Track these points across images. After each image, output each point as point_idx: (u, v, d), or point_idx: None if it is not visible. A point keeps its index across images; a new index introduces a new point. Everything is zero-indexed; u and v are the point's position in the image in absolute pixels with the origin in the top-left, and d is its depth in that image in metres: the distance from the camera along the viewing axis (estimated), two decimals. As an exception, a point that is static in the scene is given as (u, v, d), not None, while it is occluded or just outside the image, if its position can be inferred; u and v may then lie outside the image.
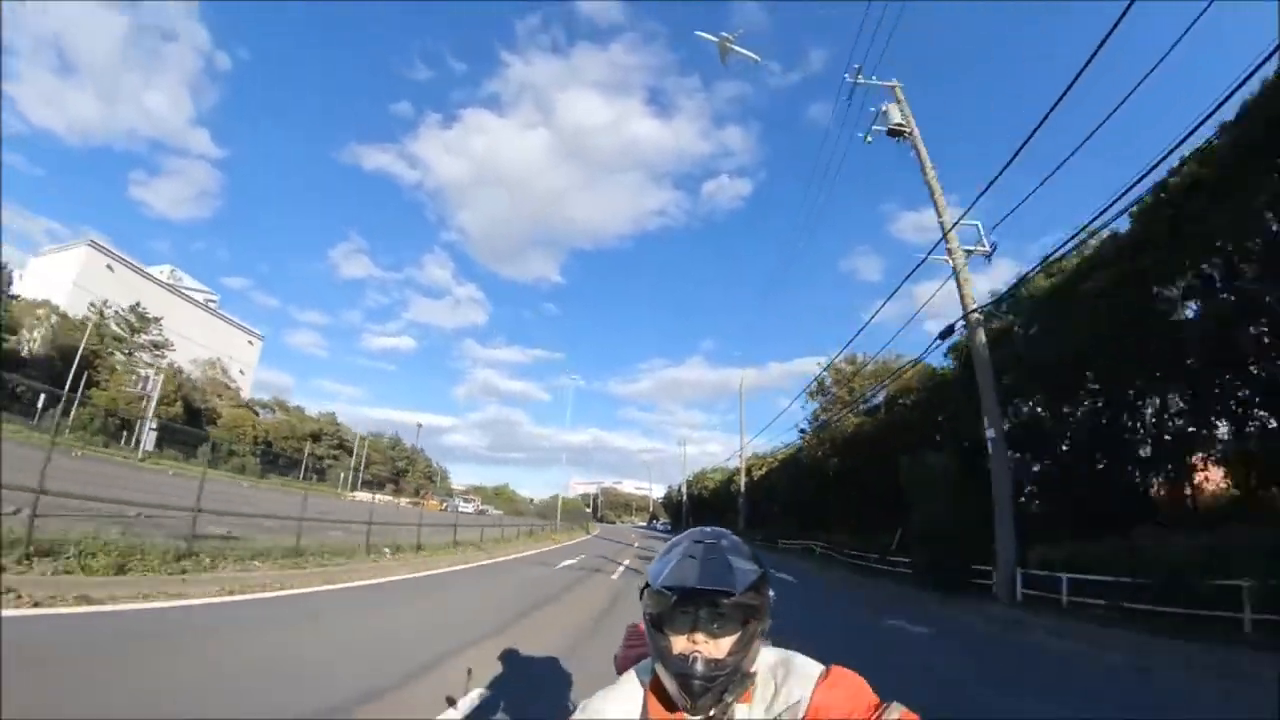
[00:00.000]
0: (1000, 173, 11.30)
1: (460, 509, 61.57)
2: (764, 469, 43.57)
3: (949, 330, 14.88)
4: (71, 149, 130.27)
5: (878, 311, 25.25)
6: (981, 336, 14.70)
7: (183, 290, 78.66)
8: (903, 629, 10.47)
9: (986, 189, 12.09)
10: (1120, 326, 13.38)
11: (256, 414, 68.80)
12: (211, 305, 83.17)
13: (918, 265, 16.05)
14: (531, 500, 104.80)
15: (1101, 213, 10.10)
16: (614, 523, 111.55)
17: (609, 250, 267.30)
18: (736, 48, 25.94)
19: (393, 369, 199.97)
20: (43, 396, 34.80)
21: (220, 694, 3.98)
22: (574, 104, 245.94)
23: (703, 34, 26.73)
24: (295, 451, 63.17)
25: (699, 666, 1.03)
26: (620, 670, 1.31)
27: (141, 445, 33.47)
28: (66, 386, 34.84)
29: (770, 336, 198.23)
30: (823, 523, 29.84)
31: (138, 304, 60.30)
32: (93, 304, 56.22)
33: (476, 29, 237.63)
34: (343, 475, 66.65)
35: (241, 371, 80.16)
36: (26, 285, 64.76)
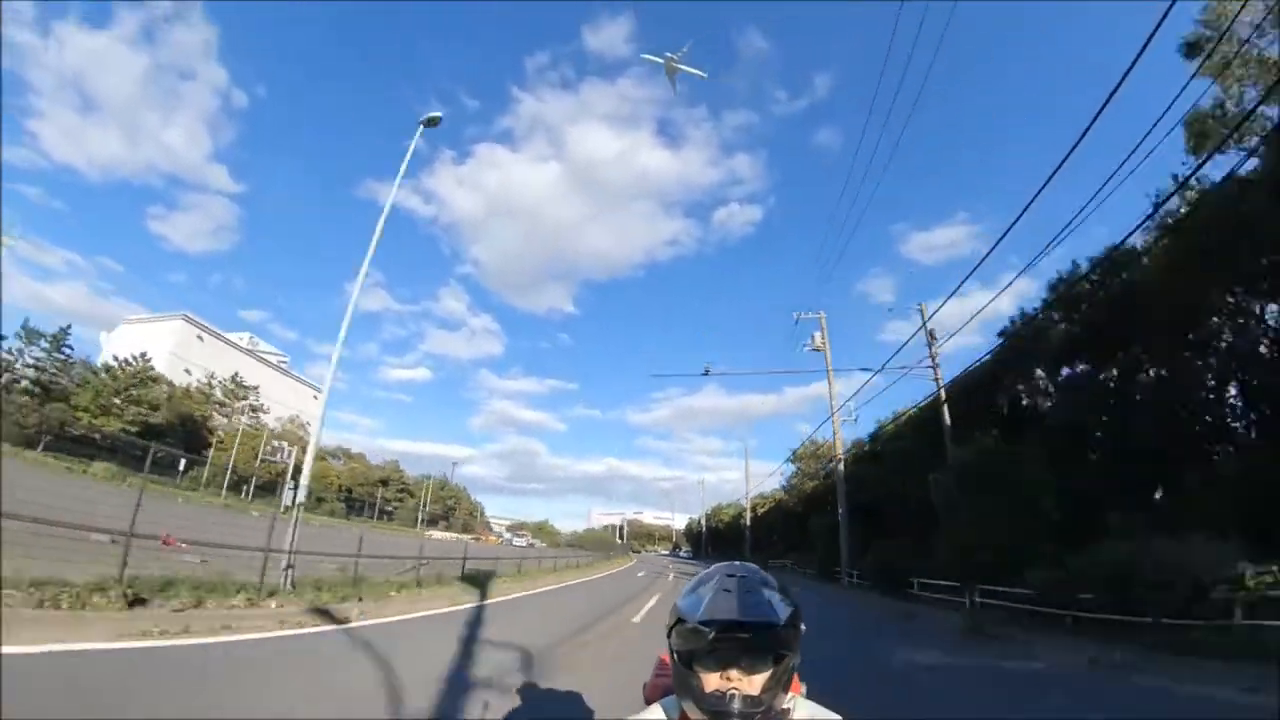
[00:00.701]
0: (864, 384, 21.86)
1: (514, 543, 72.36)
2: (765, 508, 53.79)
3: (831, 460, 25.77)
4: (92, 183, 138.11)
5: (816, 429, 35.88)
6: (841, 469, 25.64)
7: (260, 354, 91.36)
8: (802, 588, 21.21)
9: (861, 388, 22.70)
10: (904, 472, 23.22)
11: (327, 461, 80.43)
12: (283, 365, 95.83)
13: (818, 426, 26.76)
14: (560, 533, 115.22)
15: (894, 419, 20.68)
16: (639, 551, 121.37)
17: (622, 280, 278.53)
18: (682, 66, 27.33)
19: (410, 400, 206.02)
20: (183, 461, 46.51)
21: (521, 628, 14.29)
22: (584, 137, 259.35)
23: (648, 56, 29.17)
24: (369, 495, 74.46)
25: (736, 704, 1.01)
26: (649, 700, 1.34)
27: (282, 502, 44.55)
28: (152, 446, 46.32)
29: (785, 361, 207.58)
30: (796, 548, 40.29)
31: (237, 374, 72.87)
32: (206, 377, 68.71)
33: (488, 67, 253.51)
34: (409, 514, 77.76)
35: (307, 423, 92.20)
36: (116, 348, 76.18)
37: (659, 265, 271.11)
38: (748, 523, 54.42)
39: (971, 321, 60.91)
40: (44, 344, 51.08)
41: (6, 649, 4.39)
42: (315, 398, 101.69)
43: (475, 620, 9.97)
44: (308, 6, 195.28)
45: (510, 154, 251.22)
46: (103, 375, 53.74)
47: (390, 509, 78.93)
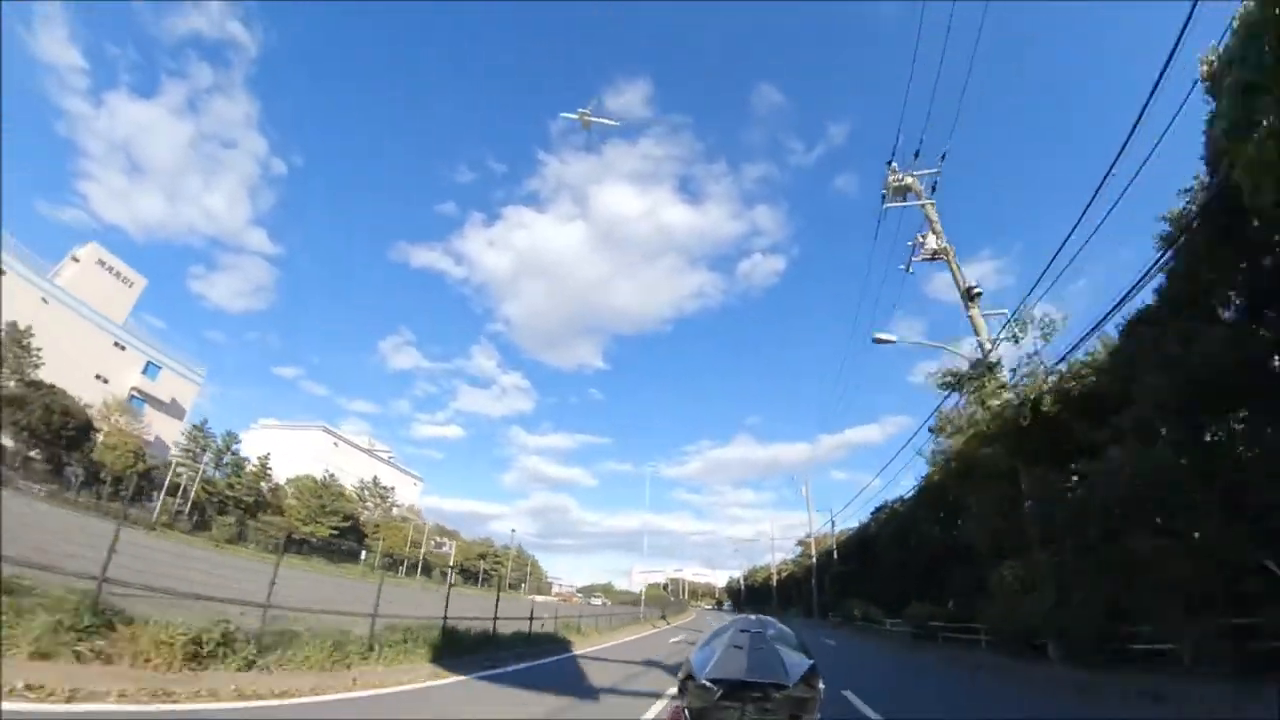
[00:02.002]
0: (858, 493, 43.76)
1: (591, 602, 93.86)
2: (785, 572, 74.76)
3: (807, 557, 47.34)
4: (137, 243, 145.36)
5: (808, 535, 57.12)
6: (814, 559, 47.15)
7: (378, 455, 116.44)
8: (798, 621, 42.49)
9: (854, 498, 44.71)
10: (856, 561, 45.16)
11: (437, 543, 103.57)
12: (393, 460, 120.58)
13: (809, 534, 48.38)
14: (619, 593, 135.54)
15: (874, 513, 42.57)
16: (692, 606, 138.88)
17: (650, 334, 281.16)
18: (595, 118, 37.20)
19: (441, 457, 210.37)
20: (364, 553, 69.68)
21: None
22: (608, 196, 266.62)
23: (565, 114, 39.31)
24: (473, 567, 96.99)
25: None
26: None
27: (447, 580, 67.35)
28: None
29: (816, 407, 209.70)
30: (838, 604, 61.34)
31: (376, 478, 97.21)
32: (359, 483, 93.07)
33: (515, 133, 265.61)
34: (500, 581, 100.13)
35: (413, 508, 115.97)
36: (255, 447, 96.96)
37: (686, 318, 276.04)
38: (774, 583, 75.43)
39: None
40: (216, 447, 75.17)
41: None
42: (415, 485, 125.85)
43: (660, 637, 31.89)
44: (343, 82, 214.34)
45: (537, 215, 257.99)
46: (288, 487, 77.79)
47: (487, 576, 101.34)
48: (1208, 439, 11.83)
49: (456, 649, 11.30)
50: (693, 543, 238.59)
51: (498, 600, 16.52)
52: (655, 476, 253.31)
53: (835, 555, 43.52)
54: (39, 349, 59.18)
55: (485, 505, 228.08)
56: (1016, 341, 16.07)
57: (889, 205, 22.71)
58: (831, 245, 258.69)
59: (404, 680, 8.86)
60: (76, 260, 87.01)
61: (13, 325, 56.85)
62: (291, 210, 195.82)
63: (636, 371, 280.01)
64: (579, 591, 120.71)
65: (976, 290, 18.79)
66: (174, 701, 5.84)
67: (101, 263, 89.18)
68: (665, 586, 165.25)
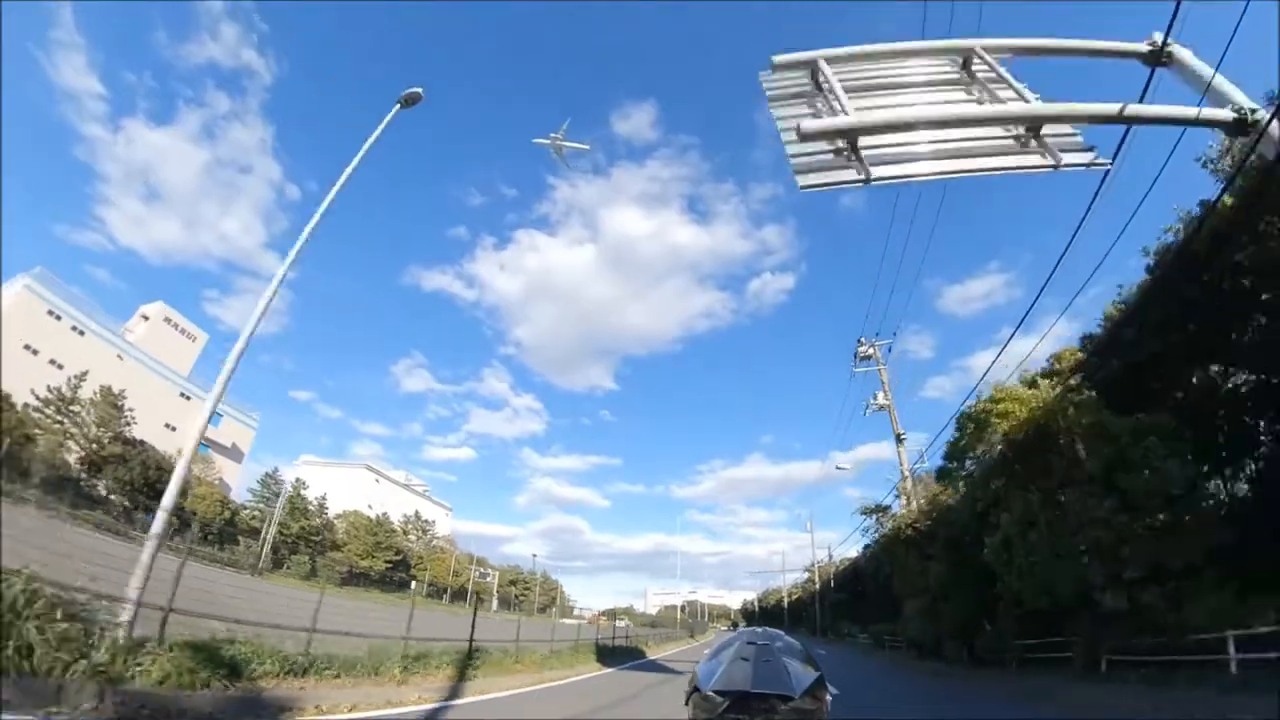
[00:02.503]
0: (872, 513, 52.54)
1: (617, 625, 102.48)
2: (795, 595, 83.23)
3: (811, 584, 56.20)
4: (153, 266, 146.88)
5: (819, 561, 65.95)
6: (817, 587, 55.98)
7: (414, 489, 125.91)
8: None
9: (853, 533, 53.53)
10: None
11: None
12: (427, 493, 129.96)
13: (795, 570, 57.20)
14: (639, 616, 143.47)
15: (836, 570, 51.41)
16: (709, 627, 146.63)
17: (661, 355, 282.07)
18: (566, 143, 32.71)
19: (454, 480, 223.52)
20: (413, 584, 78.45)
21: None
22: (618, 218, 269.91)
23: (537, 140, 35.73)
24: (505, 594, 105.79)
25: None
26: None
27: (492, 608, 76.27)
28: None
29: (828, 425, 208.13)
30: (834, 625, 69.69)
31: (417, 512, 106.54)
32: (404, 518, 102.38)
33: (524, 157, 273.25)
34: (531, 606, 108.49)
35: (448, 537, 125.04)
36: (298, 479, 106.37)
37: (697, 338, 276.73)
38: (785, 606, 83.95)
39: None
40: (288, 494, 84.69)
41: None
42: (447, 514, 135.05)
43: (698, 649, 40.92)
44: (356, 108, 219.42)
45: (547, 238, 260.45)
46: (338, 523, 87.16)
47: (519, 602, 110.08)
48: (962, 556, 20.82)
49: (603, 655, 20.67)
50: (706, 564, 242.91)
51: (593, 625, 25.62)
52: (667, 497, 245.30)
53: (832, 585, 52.45)
54: (131, 409, 68.29)
55: (498, 527, 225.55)
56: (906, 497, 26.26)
57: (856, 370, 32.74)
58: (840, 262, 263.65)
59: (587, 671, 18.07)
60: (146, 318, 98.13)
61: (107, 389, 66.22)
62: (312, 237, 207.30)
63: (648, 392, 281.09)
64: (603, 614, 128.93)
65: (903, 435, 28.31)
66: (482, 694, 14.89)
67: (168, 320, 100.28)
68: (682, 609, 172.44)
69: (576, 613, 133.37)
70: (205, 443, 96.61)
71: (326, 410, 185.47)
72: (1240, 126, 6.00)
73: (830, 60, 6.31)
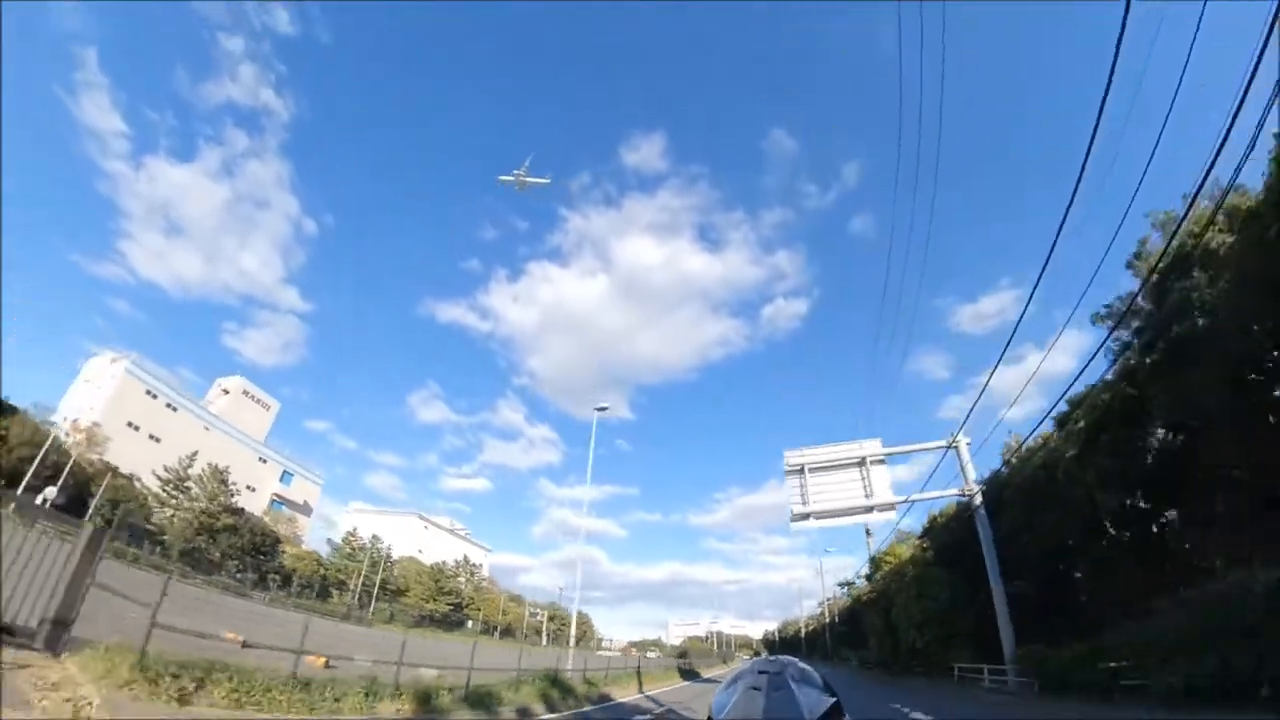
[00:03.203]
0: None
1: (648, 655, 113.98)
2: (811, 627, 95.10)
3: (823, 616, 68.36)
4: (173, 300, 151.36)
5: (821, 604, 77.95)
6: (827, 620, 68.14)
7: (457, 533, 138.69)
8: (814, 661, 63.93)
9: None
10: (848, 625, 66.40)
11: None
12: (468, 536, 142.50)
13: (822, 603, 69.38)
14: (667, 646, 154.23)
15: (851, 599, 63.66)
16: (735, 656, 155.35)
17: (675, 383, 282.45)
18: (529, 179, 35.93)
19: (470, 510, 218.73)
20: (469, 623, 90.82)
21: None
22: (629, 248, 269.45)
23: (502, 177, 40.69)
24: (540, 628, 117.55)
25: None
26: None
27: (542, 639, 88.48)
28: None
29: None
30: (837, 651, 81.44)
31: (465, 557, 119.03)
32: (456, 563, 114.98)
33: (535, 191, 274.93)
34: (565, 638, 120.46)
35: (490, 579, 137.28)
36: (349, 527, 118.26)
37: (712, 366, 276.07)
38: (803, 635, 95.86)
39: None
40: (368, 550, 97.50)
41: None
42: (487, 553, 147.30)
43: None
44: (371, 144, 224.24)
45: (560, 269, 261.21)
46: (394, 568, 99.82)
47: (551, 633, 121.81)
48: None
49: (681, 675, 33.78)
50: (725, 592, 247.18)
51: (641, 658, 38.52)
52: (685, 526, 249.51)
53: (836, 619, 64.71)
54: (234, 483, 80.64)
55: (514, 557, 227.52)
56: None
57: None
58: (853, 285, 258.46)
59: (679, 683, 31.04)
60: (226, 392, 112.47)
61: (215, 467, 78.30)
62: (322, 268, 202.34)
63: (663, 420, 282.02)
64: (633, 646, 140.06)
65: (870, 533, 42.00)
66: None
67: (246, 393, 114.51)
68: (705, 639, 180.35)
69: (605, 644, 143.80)
70: (279, 500, 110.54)
71: (343, 441, 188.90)
72: (968, 500, 19.28)
73: (812, 468, 19.71)
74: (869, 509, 18.48)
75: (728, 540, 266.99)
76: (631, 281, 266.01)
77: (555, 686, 17.38)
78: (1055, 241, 11.57)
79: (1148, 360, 16.75)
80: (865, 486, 18.68)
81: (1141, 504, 19.27)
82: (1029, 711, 15.50)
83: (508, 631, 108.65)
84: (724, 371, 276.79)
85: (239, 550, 72.48)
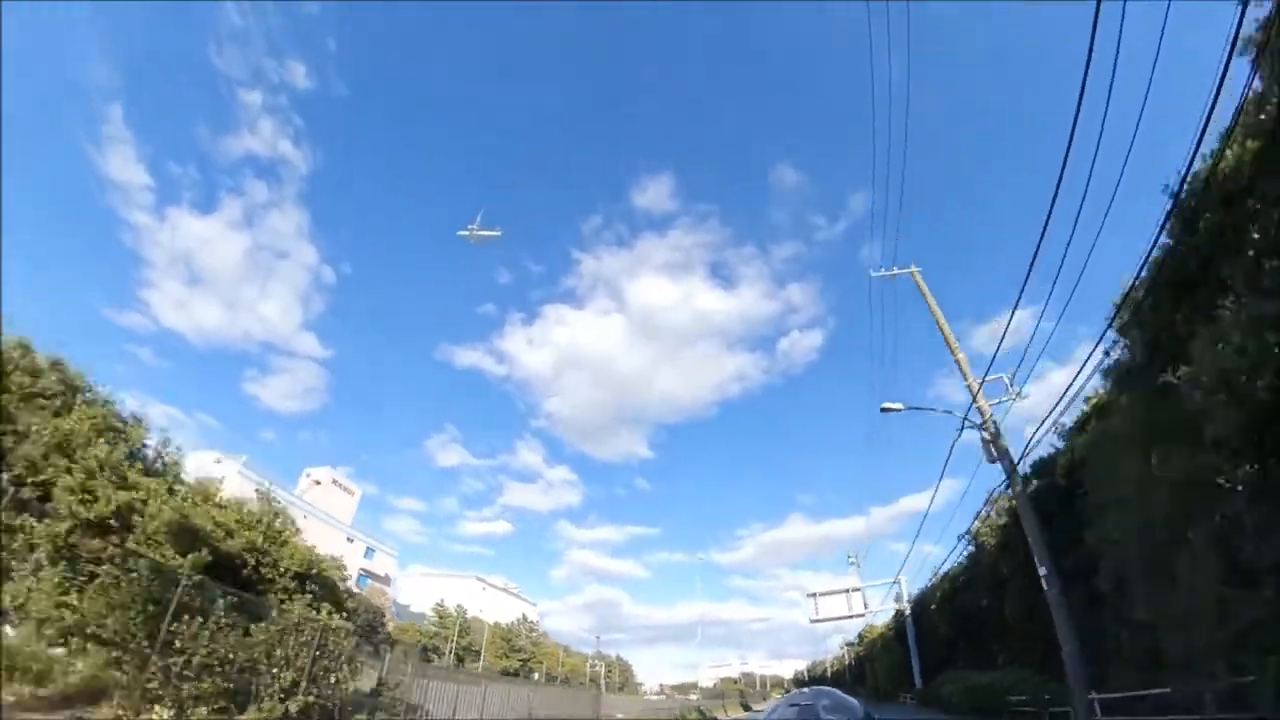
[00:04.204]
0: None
1: (690, 698, 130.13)
2: (837, 666, 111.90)
3: (844, 657, 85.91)
4: (194, 347, 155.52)
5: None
6: (847, 659, 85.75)
7: (510, 592, 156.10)
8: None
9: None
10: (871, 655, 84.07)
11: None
12: (520, 593, 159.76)
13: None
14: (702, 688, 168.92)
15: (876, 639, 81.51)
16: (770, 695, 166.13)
17: (694, 420, 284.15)
18: (480, 232, 37.74)
19: (490, 554, 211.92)
20: (535, 674, 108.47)
21: None
22: (643, 288, 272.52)
23: (459, 232, 42.61)
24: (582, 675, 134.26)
25: None
26: None
27: (600, 686, 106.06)
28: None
29: (868, 479, 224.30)
30: (853, 686, 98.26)
31: (524, 615, 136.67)
32: (516, 622, 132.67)
33: (549, 233, 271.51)
34: (614, 683, 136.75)
35: (545, 634, 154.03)
36: (411, 591, 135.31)
37: (730, 402, 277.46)
38: (829, 674, 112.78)
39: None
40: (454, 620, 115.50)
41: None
42: (535, 606, 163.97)
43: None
44: (387, 193, 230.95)
45: (575, 311, 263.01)
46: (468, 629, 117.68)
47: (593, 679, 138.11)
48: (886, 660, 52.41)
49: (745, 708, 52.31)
50: (752, 631, 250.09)
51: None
52: (708, 564, 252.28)
53: (851, 663, 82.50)
54: (347, 573, 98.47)
55: (537, 602, 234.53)
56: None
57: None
58: (867, 313, 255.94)
59: (742, 714, 49.53)
60: (318, 483, 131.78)
61: (334, 558, 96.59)
62: (340, 315, 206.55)
63: (683, 458, 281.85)
64: (674, 689, 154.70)
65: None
66: None
67: (335, 481, 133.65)
68: (737, 680, 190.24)
69: (644, 689, 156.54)
70: (365, 574, 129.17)
71: (363, 485, 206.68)
72: (902, 612, 38.07)
73: (820, 594, 38.56)
74: (850, 616, 36.85)
75: (752, 577, 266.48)
76: (646, 321, 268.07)
77: (697, 712, 35.84)
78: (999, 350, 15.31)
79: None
80: (849, 604, 37.09)
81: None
82: (914, 714, 33.72)
83: (566, 681, 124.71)
84: (742, 407, 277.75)
85: (361, 628, 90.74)
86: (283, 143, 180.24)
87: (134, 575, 10.16)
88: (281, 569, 18.69)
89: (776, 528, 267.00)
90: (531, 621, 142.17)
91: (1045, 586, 14.22)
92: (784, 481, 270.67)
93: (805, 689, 36.22)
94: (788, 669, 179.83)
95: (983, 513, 23.48)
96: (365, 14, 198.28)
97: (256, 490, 25.34)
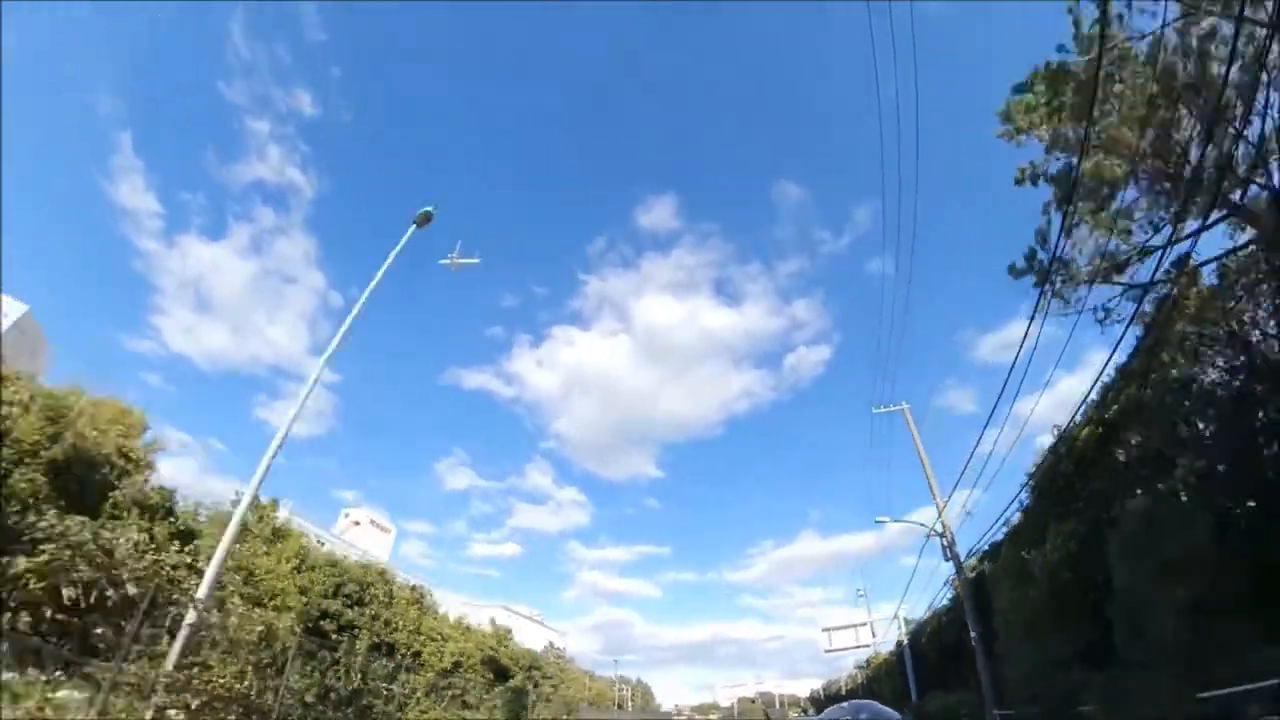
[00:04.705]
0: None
1: (710, 719, 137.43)
2: (851, 686, 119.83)
3: (857, 676, 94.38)
4: (204, 372, 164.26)
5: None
6: (860, 682, 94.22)
7: (535, 619, 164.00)
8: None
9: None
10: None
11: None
12: (543, 620, 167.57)
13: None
14: (721, 708, 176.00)
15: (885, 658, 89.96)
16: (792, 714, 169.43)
17: (701, 439, 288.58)
18: (460, 260, 38.27)
19: (499, 576, 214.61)
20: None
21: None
22: (649, 308, 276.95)
23: (441, 261, 51.73)
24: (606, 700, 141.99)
25: None
26: None
27: (626, 708, 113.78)
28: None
29: (880, 494, 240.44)
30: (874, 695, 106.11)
31: (551, 643, 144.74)
32: (545, 649, 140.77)
33: (554, 256, 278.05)
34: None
35: (572, 660, 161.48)
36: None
37: (737, 419, 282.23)
38: (844, 692, 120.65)
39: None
40: None
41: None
42: (564, 635, 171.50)
43: None
44: (393, 219, 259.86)
45: (581, 332, 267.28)
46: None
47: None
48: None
49: None
50: (765, 649, 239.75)
51: None
52: (719, 583, 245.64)
53: (865, 680, 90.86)
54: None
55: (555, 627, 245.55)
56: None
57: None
58: (873, 326, 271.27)
59: None
60: (357, 523, 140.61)
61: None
62: (349, 340, 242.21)
63: (691, 477, 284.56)
64: (694, 710, 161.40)
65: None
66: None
67: (373, 522, 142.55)
68: (754, 700, 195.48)
69: (674, 710, 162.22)
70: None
71: (371, 511, 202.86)
72: (902, 645, 47.02)
73: (834, 629, 47.54)
74: (858, 646, 45.61)
75: (763, 596, 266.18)
76: (653, 340, 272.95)
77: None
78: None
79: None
80: (856, 636, 45.76)
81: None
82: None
83: (593, 705, 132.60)
84: (750, 424, 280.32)
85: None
86: (290, 169, 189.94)
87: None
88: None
89: (788, 545, 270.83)
90: (558, 649, 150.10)
91: (973, 642, 23.53)
92: (794, 498, 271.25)
93: (844, 703, 37.58)
94: (803, 688, 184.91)
95: (953, 579, 32.80)
96: (370, 43, 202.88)
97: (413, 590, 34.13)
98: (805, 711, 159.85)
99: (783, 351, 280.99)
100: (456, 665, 27.20)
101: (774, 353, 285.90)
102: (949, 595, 39.48)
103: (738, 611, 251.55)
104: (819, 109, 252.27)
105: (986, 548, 27.15)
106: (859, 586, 57.87)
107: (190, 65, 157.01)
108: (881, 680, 56.97)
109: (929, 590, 76.24)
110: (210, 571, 10.87)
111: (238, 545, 14.15)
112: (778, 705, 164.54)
